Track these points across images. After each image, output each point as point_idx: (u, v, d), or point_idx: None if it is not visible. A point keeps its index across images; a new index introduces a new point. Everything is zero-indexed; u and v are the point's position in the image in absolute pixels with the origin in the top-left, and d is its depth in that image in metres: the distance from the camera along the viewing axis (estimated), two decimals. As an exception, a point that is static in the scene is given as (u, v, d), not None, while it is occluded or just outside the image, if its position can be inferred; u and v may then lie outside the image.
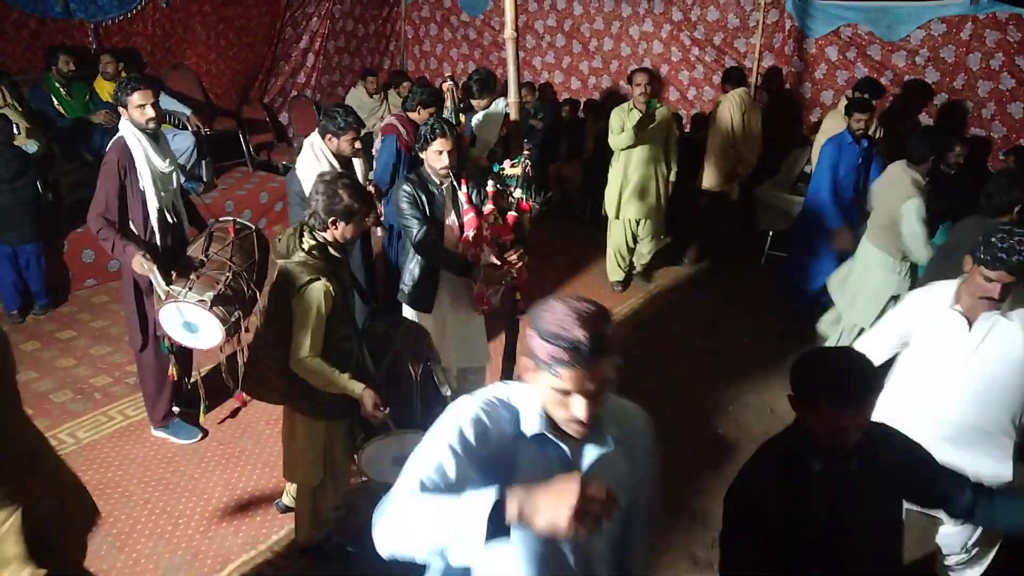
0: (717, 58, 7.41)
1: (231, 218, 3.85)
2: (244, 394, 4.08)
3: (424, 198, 3.56)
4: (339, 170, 3.48)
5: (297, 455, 3.09)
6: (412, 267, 3.71)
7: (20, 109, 5.86)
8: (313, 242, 2.83)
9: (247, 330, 3.60)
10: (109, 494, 3.72)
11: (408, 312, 3.83)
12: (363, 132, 4.35)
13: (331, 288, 2.77)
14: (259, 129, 8.26)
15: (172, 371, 4.03)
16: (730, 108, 6.10)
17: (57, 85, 6.24)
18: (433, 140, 3.50)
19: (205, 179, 7.02)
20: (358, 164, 4.34)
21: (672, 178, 6.02)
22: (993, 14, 5.99)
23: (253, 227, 3.90)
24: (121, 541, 3.45)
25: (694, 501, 3.74)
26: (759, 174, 6.66)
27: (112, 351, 5.04)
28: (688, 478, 3.87)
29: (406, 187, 3.54)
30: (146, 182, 3.67)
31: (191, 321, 3.59)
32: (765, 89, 7.12)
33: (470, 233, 3.61)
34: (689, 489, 3.81)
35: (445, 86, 4.95)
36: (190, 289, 3.50)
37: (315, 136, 4.06)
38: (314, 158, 4.00)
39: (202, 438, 4.17)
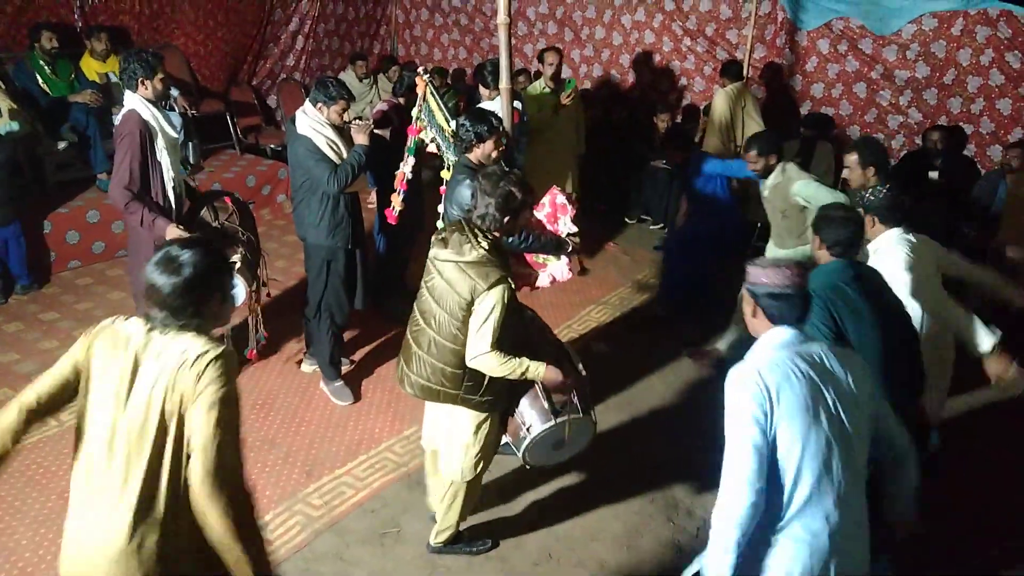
0: (709, 48, 7.41)
1: (219, 189, 4.00)
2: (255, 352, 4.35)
3: None
4: (501, 167, 3.16)
5: (477, 452, 3.03)
6: None
7: (4, 87, 5.77)
8: (488, 241, 2.79)
9: (259, 291, 4.08)
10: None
11: None
12: (352, 118, 4.30)
13: (512, 284, 2.76)
14: (247, 112, 8.19)
15: None
16: (727, 103, 6.09)
17: (42, 63, 6.14)
18: (493, 135, 3.57)
19: (192, 161, 6.92)
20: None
21: (582, 152, 6.27)
22: (984, 10, 6.01)
23: (239, 195, 4.17)
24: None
25: (679, 492, 3.78)
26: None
27: (96, 333, 5.00)
28: (674, 470, 3.90)
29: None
30: (164, 151, 3.83)
31: None
32: (756, 81, 7.11)
33: (545, 212, 3.87)
34: (675, 481, 3.83)
35: (419, 80, 4.82)
36: None
37: (307, 105, 4.05)
38: (313, 120, 4.00)
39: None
